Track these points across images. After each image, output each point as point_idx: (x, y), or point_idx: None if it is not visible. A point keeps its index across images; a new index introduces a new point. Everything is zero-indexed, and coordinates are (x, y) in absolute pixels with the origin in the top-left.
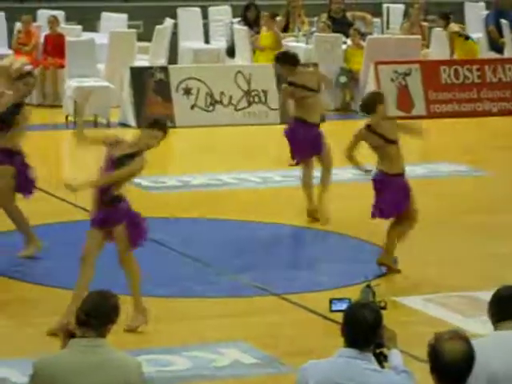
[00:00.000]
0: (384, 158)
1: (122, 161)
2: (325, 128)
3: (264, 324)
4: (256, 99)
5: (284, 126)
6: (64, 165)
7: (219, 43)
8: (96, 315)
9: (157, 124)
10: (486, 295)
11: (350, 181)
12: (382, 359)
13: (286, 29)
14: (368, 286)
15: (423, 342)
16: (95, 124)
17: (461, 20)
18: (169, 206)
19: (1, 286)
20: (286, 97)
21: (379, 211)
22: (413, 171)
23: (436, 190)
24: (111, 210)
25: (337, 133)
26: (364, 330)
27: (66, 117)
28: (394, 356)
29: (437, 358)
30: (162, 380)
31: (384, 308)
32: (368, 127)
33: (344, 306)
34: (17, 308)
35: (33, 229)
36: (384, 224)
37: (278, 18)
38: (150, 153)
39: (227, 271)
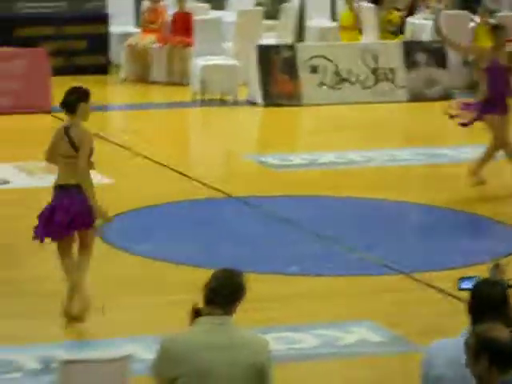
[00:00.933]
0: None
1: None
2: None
3: (392, 302)
4: (383, 77)
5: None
6: (191, 142)
7: None
8: (222, 293)
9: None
10: None
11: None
12: None
13: (412, 7)
14: (496, 266)
15: None
16: (223, 102)
17: None
18: (295, 184)
19: (134, 264)
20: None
21: None
22: None
23: None
24: None
25: None
26: (490, 307)
27: (194, 95)
28: None
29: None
30: (289, 357)
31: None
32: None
33: (469, 285)
34: (149, 285)
35: (164, 206)
36: (505, 202)
37: None
38: (275, 131)
39: (356, 249)
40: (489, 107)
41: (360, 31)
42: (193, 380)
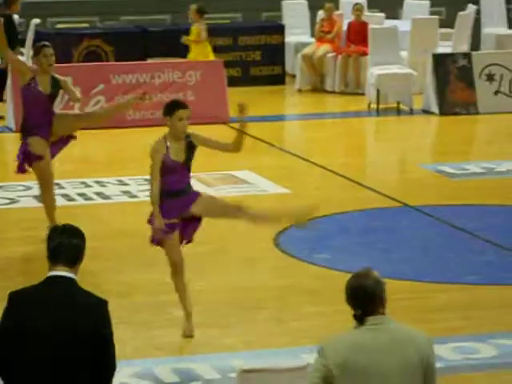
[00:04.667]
0: None
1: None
2: None
3: None
4: None
5: None
6: (366, 151)
7: None
8: (375, 296)
9: (175, 106)
10: None
11: None
12: None
13: None
14: None
15: None
16: (398, 111)
17: None
18: (472, 193)
19: (313, 274)
20: None
21: None
22: None
23: None
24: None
25: None
26: None
27: (369, 104)
28: None
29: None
30: (468, 367)
31: None
32: None
33: None
34: (328, 295)
35: (340, 215)
36: None
37: None
38: (451, 140)
39: None
40: None
41: None
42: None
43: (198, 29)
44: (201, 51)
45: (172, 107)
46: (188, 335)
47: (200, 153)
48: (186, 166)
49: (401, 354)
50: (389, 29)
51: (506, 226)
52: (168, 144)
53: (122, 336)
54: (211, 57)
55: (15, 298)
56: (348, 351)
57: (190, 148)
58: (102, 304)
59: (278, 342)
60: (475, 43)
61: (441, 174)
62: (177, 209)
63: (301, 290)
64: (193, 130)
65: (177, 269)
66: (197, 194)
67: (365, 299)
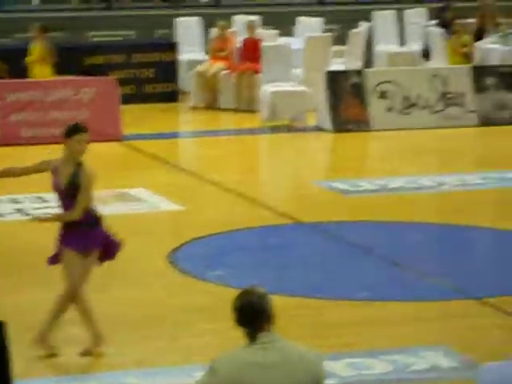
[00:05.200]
0: None
1: (73, 185)
2: None
3: (464, 328)
4: (452, 102)
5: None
6: (260, 169)
7: (414, 46)
8: (256, 313)
9: (76, 129)
10: None
11: None
12: None
13: (481, 30)
14: None
15: None
16: (291, 128)
17: None
18: (365, 210)
19: (207, 291)
20: None
21: None
22: None
23: None
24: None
25: None
26: None
27: (263, 121)
28: None
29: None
30: (361, 383)
31: None
32: None
33: None
34: (223, 312)
35: (234, 233)
36: None
37: (472, 20)
38: (344, 156)
39: (426, 275)
40: None
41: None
42: None
43: (39, 47)
44: (41, 71)
45: (72, 130)
46: (92, 351)
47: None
48: (67, 192)
49: (291, 372)
50: (282, 46)
51: (399, 243)
52: (58, 165)
53: (13, 355)
54: (50, 76)
55: None
56: (238, 370)
57: (75, 177)
58: None
59: (170, 359)
60: (368, 60)
61: (334, 190)
62: (75, 240)
63: (194, 307)
64: (87, 147)
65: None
66: (100, 241)
67: (253, 316)
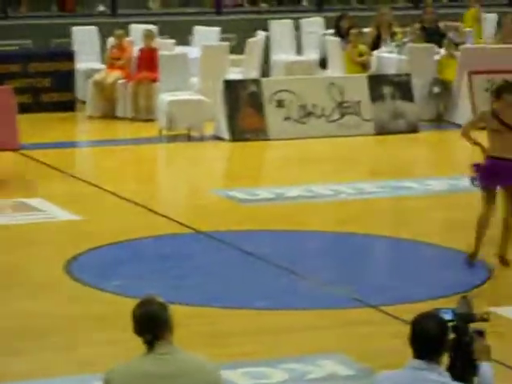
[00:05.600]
0: (499, 143)
1: None
2: (418, 139)
3: (361, 336)
4: (349, 110)
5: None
6: (158, 178)
7: (311, 55)
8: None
9: None
10: None
11: (440, 192)
12: (473, 372)
13: (377, 39)
14: (464, 298)
15: None
16: (189, 137)
17: None
18: (262, 219)
19: (104, 301)
20: None
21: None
22: None
23: None
24: None
25: (430, 143)
26: (429, 341)
27: (160, 131)
28: (484, 369)
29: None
30: None
31: (486, 320)
32: (492, 111)
33: (447, 317)
34: (119, 322)
35: (132, 242)
36: (473, 233)
37: (368, 30)
38: (242, 165)
39: (323, 283)
40: None
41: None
42: None
43: None
44: None
45: None
46: None
47: None
48: None
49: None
50: (179, 55)
51: (296, 251)
52: None
53: None
54: None
55: None
56: (133, 381)
57: None
58: None
59: (66, 370)
60: (265, 70)
61: (232, 199)
62: None
63: (91, 316)
64: None
65: None
66: None
67: (151, 325)
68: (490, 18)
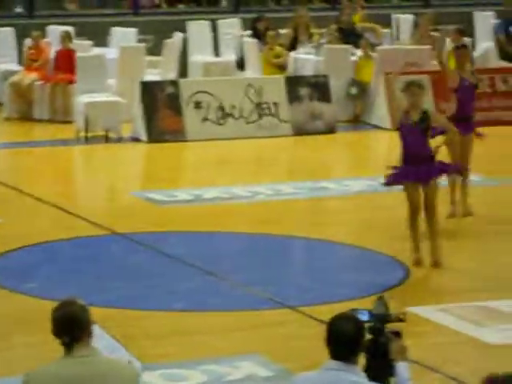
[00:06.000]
0: None
1: None
2: (335, 139)
3: (279, 337)
4: (267, 111)
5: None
6: (76, 180)
7: (229, 56)
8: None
9: None
10: (502, 306)
11: (358, 193)
12: (390, 372)
13: (294, 41)
14: (380, 298)
15: (438, 353)
16: (107, 139)
17: (470, 29)
18: (180, 220)
19: (20, 303)
20: None
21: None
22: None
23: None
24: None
25: (347, 144)
26: (346, 341)
27: (77, 132)
28: (401, 369)
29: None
30: None
31: (402, 320)
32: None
33: (364, 318)
34: (37, 324)
35: (50, 244)
36: (390, 234)
37: (286, 31)
38: (160, 167)
39: (241, 284)
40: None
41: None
42: None
43: None
44: None
45: None
46: None
47: None
48: None
49: None
50: (96, 57)
51: (214, 253)
52: None
53: None
54: None
55: None
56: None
57: None
58: None
59: None
60: (183, 71)
61: (150, 201)
62: None
63: (10, 319)
64: None
65: None
66: None
67: (71, 326)
68: (406, 19)
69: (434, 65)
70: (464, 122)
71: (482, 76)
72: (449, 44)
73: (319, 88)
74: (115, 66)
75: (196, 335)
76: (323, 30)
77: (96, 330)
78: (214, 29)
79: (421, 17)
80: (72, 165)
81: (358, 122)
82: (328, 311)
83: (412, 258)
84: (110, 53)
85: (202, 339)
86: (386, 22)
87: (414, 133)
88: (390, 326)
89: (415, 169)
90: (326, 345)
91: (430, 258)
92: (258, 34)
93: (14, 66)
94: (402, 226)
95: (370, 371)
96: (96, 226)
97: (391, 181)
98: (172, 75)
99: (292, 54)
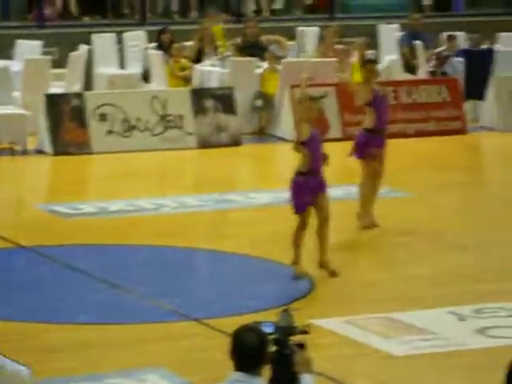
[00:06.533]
0: None
1: None
2: (240, 152)
3: (184, 349)
4: (172, 124)
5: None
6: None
7: (134, 68)
8: None
9: None
10: (406, 317)
11: (264, 205)
12: None
13: (200, 53)
14: (285, 311)
15: (342, 365)
16: (12, 151)
17: (374, 42)
18: (86, 233)
19: None
20: None
21: None
22: (331, 193)
23: (354, 211)
24: None
25: (253, 156)
26: (249, 353)
27: None
28: (305, 381)
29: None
30: None
31: (307, 332)
32: None
33: (268, 330)
34: None
35: None
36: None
37: (191, 43)
38: (65, 179)
39: (147, 297)
40: (372, 139)
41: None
42: None
43: None
44: None
45: None
46: None
47: None
48: None
49: None
50: (1, 69)
51: (119, 265)
52: None
53: None
54: None
55: None
56: None
57: None
58: None
59: None
60: (88, 83)
61: (55, 214)
62: None
63: None
64: None
65: None
66: None
67: None
68: (311, 32)
69: (338, 77)
70: (380, 135)
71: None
72: (355, 57)
73: (224, 100)
74: (20, 78)
75: (101, 348)
76: (229, 43)
77: None
78: (120, 41)
79: (326, 30)
80: None
81: (263, 134)
82: (233, 323)
83: (298, 269)
84: (15, 65)
85: (107, 352)
86: (291, 35)
87: (320, 147)
88: (295, 338)
89: (314, 180)
90: (230, 357)
91: (330, 268)
92: (163, 47)
93: None
94: (307, 237)
95: (274, 383)
96: (0, 239)
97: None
98: (77, 88)
99: (197, 66)
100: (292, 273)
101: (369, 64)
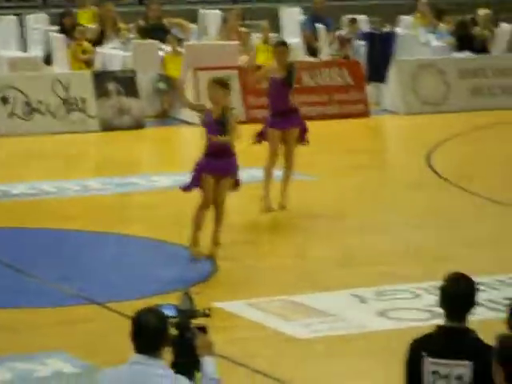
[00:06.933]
0: None
1: None
2: (143, 135)
3: (86, 333)
4: (74, 107)
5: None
6: None
7: (36, 51)
8: None
9: None
10: (308, 299)
11: (166, 188)
12: (196, 367)
13: (101, 36)
14: (186, 294)
15: (244, 347)
16: None
17: (277, 25)
18: None
19: None
20: None
21: None
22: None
23: (254, 193)
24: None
25: (156, 139)
26: (149, 335)
27: None
28: (207, 364)
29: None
30: None
31: (208, 315)
32: None
33: (169, 313)
34: None
35: None
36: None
37: (93, 26)
38: None
39: (49, 281)
40: (271, 122)
41: None
42: None
43: None
44: None
45: None
46: None
47: None
48: None
49: None
50: None
51: (20, 249)
52: None
53: None
54: None
55: None
56: None
57: None
58: None
59: None
60: None
61: None
62: None
63: None
64: None
65: None
66: None
67: None
68: (214, 15)
69: (241, 60)
70: (280, 117)
71: None
72: (258, 39)
73: (127, 83)
74: None
75: (3, 332)
76: (131, 25)
77: None
78: (22, 24)
79: (228, 12)
80: None
81: (166, 117)
82: (135, 307)
83: (195, 250)
84: None
85: (8, 336)
86: (194, 18)
87: (218, 130)
88: (196, 322)
89: (214, 162)
90: (131, 339)
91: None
92: (65, 30)
93: None
94: (210, 221)
95: (176, 366)
96: None
97: (191, 185)
98: None
99: (99, 49)
100: (189, 254)
101: (279, 47)
